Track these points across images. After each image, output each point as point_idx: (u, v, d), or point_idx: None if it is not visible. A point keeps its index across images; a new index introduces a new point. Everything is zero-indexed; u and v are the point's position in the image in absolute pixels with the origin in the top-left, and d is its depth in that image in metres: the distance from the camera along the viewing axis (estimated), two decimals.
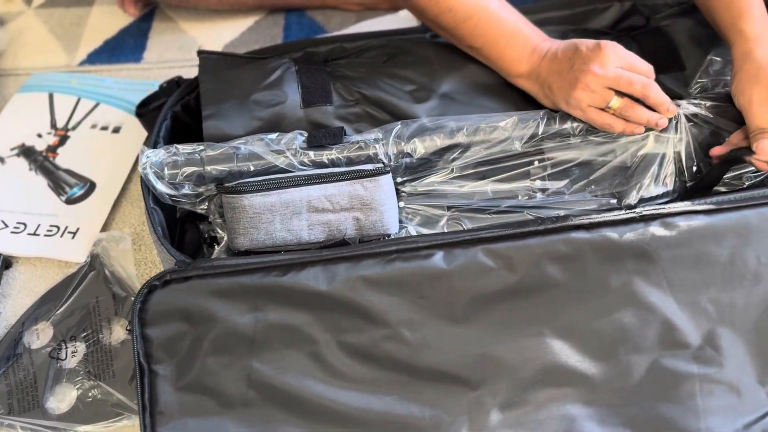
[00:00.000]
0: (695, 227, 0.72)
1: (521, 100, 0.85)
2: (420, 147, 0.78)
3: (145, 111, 0.92)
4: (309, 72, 0.87)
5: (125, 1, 1.18)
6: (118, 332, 0.83)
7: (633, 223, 0.72)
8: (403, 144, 0.78)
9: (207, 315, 0.71)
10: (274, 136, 0.79)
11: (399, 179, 0.80)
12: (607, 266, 0.71)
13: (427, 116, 0.83)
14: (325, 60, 0.93)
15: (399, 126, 0.79)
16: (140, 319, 0.71)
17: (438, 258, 0.72)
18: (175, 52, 1.14)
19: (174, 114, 0.87)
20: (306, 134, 0.80)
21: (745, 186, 0.79)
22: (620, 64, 0.76)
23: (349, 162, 0.77)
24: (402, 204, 0.80)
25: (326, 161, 0.77)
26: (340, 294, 0.71)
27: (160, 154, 0.78)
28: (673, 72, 0.88)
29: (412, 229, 0.79)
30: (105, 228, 0.94)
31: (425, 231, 0.79)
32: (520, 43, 0.82)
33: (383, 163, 0.78)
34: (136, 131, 1.02)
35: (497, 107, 0.84)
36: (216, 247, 0.81)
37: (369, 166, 0.77)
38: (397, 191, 0.79)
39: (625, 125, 0.77)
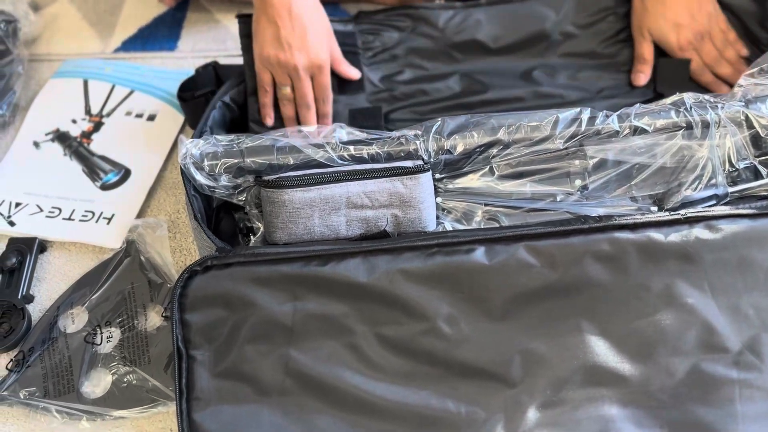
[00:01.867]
0: (739, 231, 0.72)
1: (545, 80, 0.91)
2: (460, 144, 0.78)
3: (190, 96, 0.92)
4: (345, 57, 0.91)
5: None
6: (153, 318, 0.83)
7: (678, 224, 0.72)
8: (443, 140, 0.78)
9: (246, 302, 0.71)
10: (313, 128, 0.80)
11: (438, 175, 0.79)
12: (650, 267, 0.71)
13: (448, 89, 0.90)
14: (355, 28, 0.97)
15: (439, 122, 0.79)
16: (180, 304, 0.71)
17: (479, 253, 0.71)
18: (210, 42, 1.14)
19: (223, 104, 0.88)
20: (345, 126, 0.80)
21: None
22: (313, 72, 0.86)
23: (389, 157, 0.77)
24: (439, 200, 0.79)
25: (366, 156, 0.77)
26: (379, 286, 0.71)
27: (199, 144, 0.78)
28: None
29: (449, 225, 0.79)
30: (140, 215, 0.94)
31: (461, 227, 0.79)
32: None
33: (423, 159, 0.77)
34: (171, 119, 1.03)
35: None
36: (252, 237, 0.81)
37: (409, 163, 0.77)
38: (435, 187, 0.79)
39: (268, 113, 0.89)
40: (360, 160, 0.77)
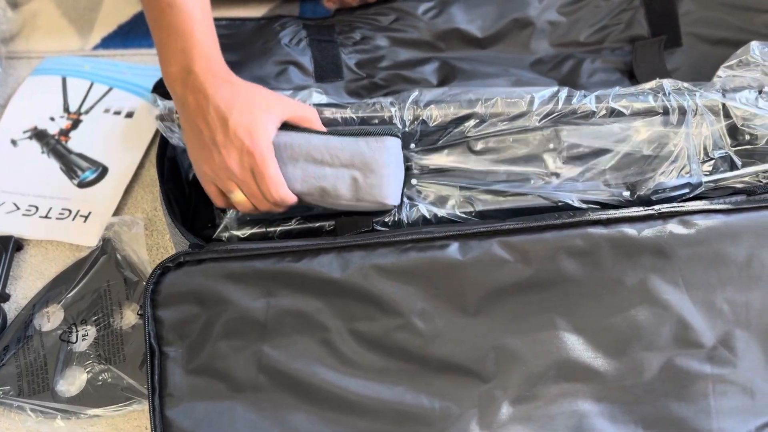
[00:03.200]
0: (713, 226, 0.72)
1: (528, 70, 0.89)
2: (436, 114, 0.77)
3: (163, 91, 0.92)
4: (320, 45, 0.90)
5: None
6: (129, 317, 0.83)
7: (651, 220, 0.72)
8: (419, 110, 0.77)
9: (219, 298, 0.71)
10: (288, 92, 0.79)
11: (413, 146, 0.79)
12: (624, 262, 0.71)
13: (431, 75, 0.90)
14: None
15: (416, 92, 0.79)
16: (152, 300, 0.71)
17: (453, 249, 0.71)
18: None
19: None
20: (321, 90, 0.80)
21: (763, 185, 0.79)
22: (250, 164, 0.69)
23: (363, 122, 0.77)
24: (414, 182, 0.79)
25: (339, 119, 0.77)
26: (353, 282, 0.71)
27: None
28: (671, 48, 0.93)
29: (423, 208, 0.77)
30: (117, 212, 0.93)
31: (436, 210, 0.78)
32: (179, 46, 0.72)
33: (398, 127, 0.77)
34: (150, 116, 1.02)
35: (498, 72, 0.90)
36: (227, 213, 0.80)
37: (380, 129, 0.76)
38: (410, 168, 0.79)
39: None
40: (332, 122, 0.77)
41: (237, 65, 0.86)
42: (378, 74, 0.93)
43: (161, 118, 0.77)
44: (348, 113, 0.77)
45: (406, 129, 0.77)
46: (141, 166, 0.98)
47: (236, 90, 0.71)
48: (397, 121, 0.77)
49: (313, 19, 0.96)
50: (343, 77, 0.92)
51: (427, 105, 0.77)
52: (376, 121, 0.77)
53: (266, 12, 1.15)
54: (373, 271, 0.71)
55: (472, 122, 0.77)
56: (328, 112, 0.77)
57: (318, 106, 0.77)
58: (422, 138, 0.78)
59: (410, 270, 0.71)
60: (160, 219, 0.93)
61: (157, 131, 1.00)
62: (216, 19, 0.89)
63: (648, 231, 0.71)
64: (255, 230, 0.77)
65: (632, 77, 0.94)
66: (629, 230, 0.71)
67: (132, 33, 1.15)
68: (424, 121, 0.77)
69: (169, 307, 0.71)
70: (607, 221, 0.71)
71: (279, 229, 0.77)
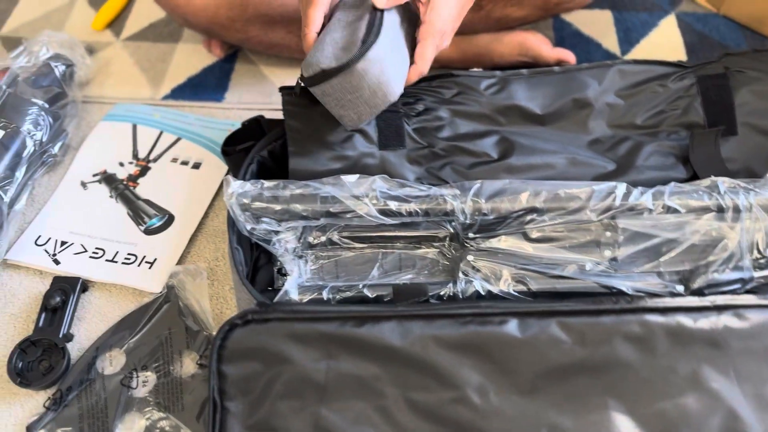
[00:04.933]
0: (766, 322, 0.73)
1: (585, 148, 0.92)
2: (496, 208, 0.80)
3: (232, 150, 0.95)
4: (385, 115, 0.92)
5: (211, 42, 1.23)
6: (188, 365, 0.85)
7: (706, 311, 0.73)
8: (480, 203, 0.80)
9: (282, 358, 0.73)
10: (354, 178, 0.82)
11: (471, 235, 0.82)
12: (678, 350, 0.72)
13: (490, 148, 0.91)
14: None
15: (478, 185, 0.81)
16: (218, 355, 0.73)
17: (512, 326, 0.73)
18: (255, 95, 1.18)
19: (260, 159, 0.91)
20: (387, 178, 0.83)
21: None
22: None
23: (426, 214, 0.80)
24: (470, 257, 0.81)
25: (404, 213, 0.80)
26: (412, 351, 0.73)
27: (246, 185, 0.81)
28: (726, 136, 0.94)
29: (478, 284, 0.80)
30: (181, 261, 0.96)
31: (490, 287, 0.80)
32: None
33: (459, 219, 0.80)
34: (216, 168, 1.06)
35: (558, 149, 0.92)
36: (287, 276, 0.83)
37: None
38: (465, 245, 0.82)
39: None
40: (398, 214, 0.80)
41: (305, 132, 0.89)
42: (438, 144, 0.96)
43: (243, 206, 0.81)
44: (412, 206, 0.80)
45: (467, 221, 0.80)
46: (205, 216, 1.01)
47: None
48: (458, 213, 0.80)
49: None
50: (405, 146, 0.95)
51: (488, 198, 0.80)
52: (440, 213, 0.80)
53: None
54: (432, 342, 0.73)
55: (530, 215, 0.80)
56: (393, 205, 0.80)
57: (382, 197, 0.80)
58: (482, 226, 0.81)
59: (468, 343, 0.73)
60: (221, 269, 0.96)
61: (222, 183, 1.04)
62: (287, 87, 0.93)
63: (703, 321, 0.73)
64: (314, 297, 0.79)
65: (686, 162, 0.96)
66: (685, 320, 0.73)
67: (201, 86, 1.19)
68: (484, 214, 0.80)
69: (234, 362, 0.73)
70: (665, 310, 0.73)
71: (338, 296, 0.79)
